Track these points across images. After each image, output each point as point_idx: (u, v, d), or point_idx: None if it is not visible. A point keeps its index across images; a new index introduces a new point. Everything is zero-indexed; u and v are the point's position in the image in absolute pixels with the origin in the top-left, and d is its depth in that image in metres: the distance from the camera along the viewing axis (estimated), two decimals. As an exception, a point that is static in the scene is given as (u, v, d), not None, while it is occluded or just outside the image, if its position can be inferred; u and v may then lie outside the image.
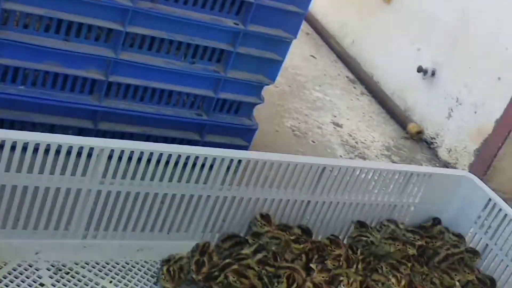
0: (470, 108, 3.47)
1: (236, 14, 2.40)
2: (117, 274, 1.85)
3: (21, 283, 1.70)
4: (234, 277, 1.84)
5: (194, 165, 1.91)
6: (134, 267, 1.90)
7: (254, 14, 2.40)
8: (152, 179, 1.89)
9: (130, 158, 1.80)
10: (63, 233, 1.84)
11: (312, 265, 2.00)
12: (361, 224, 2.28)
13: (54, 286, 1.73)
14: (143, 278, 1.88)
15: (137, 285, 1.84)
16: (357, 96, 4.01)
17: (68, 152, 1.71)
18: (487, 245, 2.39)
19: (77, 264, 1.83)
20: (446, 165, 3.48)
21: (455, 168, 3.41)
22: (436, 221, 2.44)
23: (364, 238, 2.23)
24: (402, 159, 3.39)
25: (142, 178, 1.88)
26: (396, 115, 3.86)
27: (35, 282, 1.72)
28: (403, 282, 2.07)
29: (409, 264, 2.15)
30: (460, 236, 2.42)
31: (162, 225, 1.99)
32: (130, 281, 1.85)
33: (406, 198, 2.40)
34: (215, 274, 1.86)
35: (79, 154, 1.73)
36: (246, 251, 1.99)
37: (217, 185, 2.00)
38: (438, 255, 2.29)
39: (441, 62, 3.70)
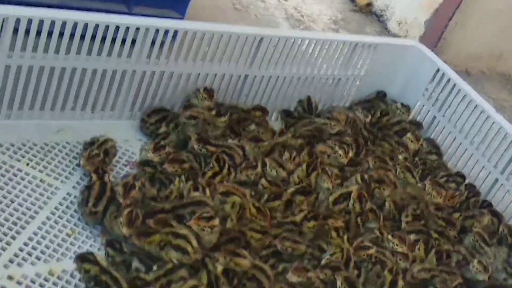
0: (421, -23, 3.29)
1: None
2: (35, 156, 1.70)
3: None
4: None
5: (114, 38, 1.73)
6: (54, 149, 1.74)
7: None
8: (68, 52, 1.71)
9: (39, 31, 1.61)
10: (-28, 113, 1.67)
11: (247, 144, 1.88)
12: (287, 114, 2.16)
13: (-37, 171, 1.58)
14: (64, 160, 1.73)
15: (57, 167, 1.69)
16: (304, -33, 3.77)
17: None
18: (435, 117, 2.29)
19: (-11, 146, 1.67)
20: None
21: (405, 41, 3.27)
22: (381, 94, 2.32)
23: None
24: (350, 32, 3.22)
25: (56, 51, 1.69)
26: (345, -13, 3.66)
27: None
28: (350, 154, 1.98)
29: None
30: (407, 107, 2.31)
31: (84, 104, 1.83)
32: (49, 163, 1.70)
33: (351, 71, 2.25)
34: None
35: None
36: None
37: (143, 59, 1.83)
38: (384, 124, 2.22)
39: None
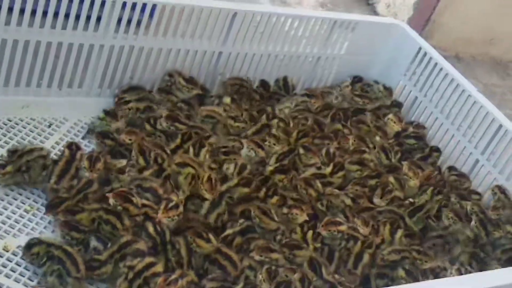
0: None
1: None
2: (-4, 132, 1.66)
3: None
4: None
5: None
6: (17, 125, 1.70)
7: None
8: (31, 25, 1.66)
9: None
10: None
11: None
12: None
13: None
14: (28, 136, 1.69)
15: (19, 143, 1.65)
16: None
17: None
18: (416, 97, 2.24)
19: (-50, 122, 1.63)
20: (384, 21, 3.28)
21: (394, 24, 3.21)
22: (356, 79, 2.26)
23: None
24: (337, 15, 3.16)
25: (19, 24, 1.64)
26: (334, -30, 3.61)
27: None
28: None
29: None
30: (389, 90, 2.26)
31: (50, 80, 1.78)
32: (11, 139, 1.65)
33: (331, 49, 2.20)
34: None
35: None
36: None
37: (110, 33, 1.78)
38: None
39: None
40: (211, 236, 1.48)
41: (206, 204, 1.55)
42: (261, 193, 1.63)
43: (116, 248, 1.38)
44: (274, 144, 1.83)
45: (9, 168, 1.51)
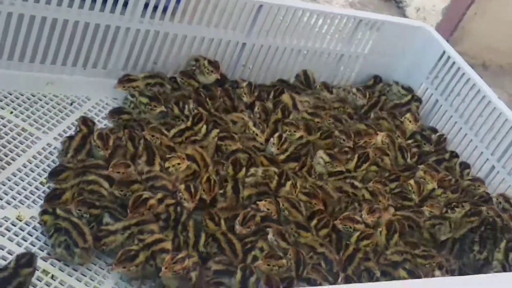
0: (441, -36, 3.22)
1: None
2: (20, 106, 1.69)
3: None
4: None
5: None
6: (40, 100, 1.74)
7: None
8: (59, 4, 1.70)
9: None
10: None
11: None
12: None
13: None
14: (49, 112, 1.73)
15: (41, 118, 1.69)
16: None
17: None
18: (437, 100, 2.24)
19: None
20: (413, 25, 3.28)
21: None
22: (378, 79, 2.27)
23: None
24: (366, 16, 3.17)
25: (48, 2, 1.68)
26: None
27: None
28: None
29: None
30: (409, 90, 2.26)
31: (75, 59, 1.82)
32: (33, 113, 1.70)
33: (354, 48, 2.21)
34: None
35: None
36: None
37: (136, 17, 1.81)
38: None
39: None
40: (222, 222, 1.52)
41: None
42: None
43: (134, 222, 1.42)
44: (295, 131, 1.86)
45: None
